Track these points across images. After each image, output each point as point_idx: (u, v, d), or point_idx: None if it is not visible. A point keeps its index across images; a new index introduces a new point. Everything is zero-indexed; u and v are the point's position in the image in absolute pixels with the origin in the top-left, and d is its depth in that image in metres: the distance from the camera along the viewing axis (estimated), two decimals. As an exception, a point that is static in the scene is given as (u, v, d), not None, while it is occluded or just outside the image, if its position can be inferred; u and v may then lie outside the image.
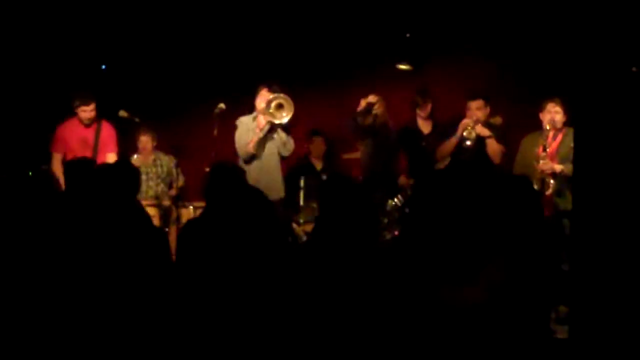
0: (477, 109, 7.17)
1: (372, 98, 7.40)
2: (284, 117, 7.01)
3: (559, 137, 6.74)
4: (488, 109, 7.24)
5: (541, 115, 6.79)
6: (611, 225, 3.48)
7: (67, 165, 5.46)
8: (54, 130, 7.45)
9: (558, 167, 6.60)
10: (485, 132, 7.10)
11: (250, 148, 7.08)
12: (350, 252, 3.76)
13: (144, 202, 5.62)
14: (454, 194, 3.94)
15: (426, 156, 7.41)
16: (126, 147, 7.89)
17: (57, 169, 7.09)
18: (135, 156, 7.80)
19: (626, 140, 3.48)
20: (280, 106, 7.03)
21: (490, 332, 3.36)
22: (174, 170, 7.71)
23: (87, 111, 7.23)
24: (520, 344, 3.45)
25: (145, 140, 7.88)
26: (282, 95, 7.03)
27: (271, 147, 7.18)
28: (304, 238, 6.62)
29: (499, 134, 7.20)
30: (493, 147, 7.08)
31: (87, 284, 4.04)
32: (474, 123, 7.08)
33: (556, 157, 6.70)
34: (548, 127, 6.70)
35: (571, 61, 3.82)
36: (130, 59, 8.58)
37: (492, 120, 7.29)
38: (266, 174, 7.09)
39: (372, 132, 7.43)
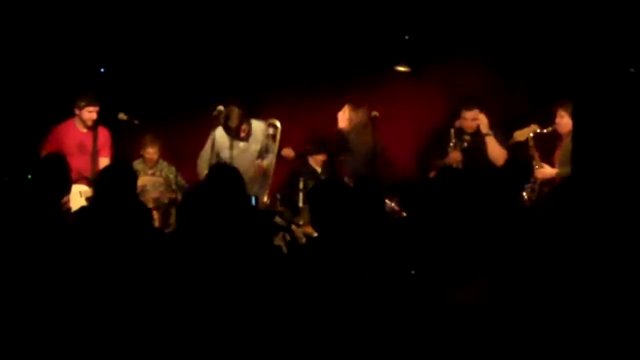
0: (472, 120, 7.18)
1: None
2: None
3: (564, 142, 6.68)
4: (484, 117, 7.22)
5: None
6: (606, 226, 3.47)
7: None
8: (47, 130, 7.42)
9: (552, 171, 6.58)
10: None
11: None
12: (345, 254, 3.76)
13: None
14: (452, 194, 3.94)
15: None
16: (124, 149, 7.88)
17: None
18: (135, 162, 7.78)
19: (623, 140, 3.48)
20: None
21: (492, 333, 3.35)
22: (172, 180, 7.77)
23: (93, 112, 7.23)
24: (523, 345, 3.44)
25: (152, 152, 7.90)
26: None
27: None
28: (303, 240, 6.61)
29: (499, 137, 7.19)
30: (495, 150, 7.09)
31: (85, 286, 4.03)
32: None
33: (557, 161, 6.67)
34: (541, 130, 6.68)
35: (569, 60, 3.83)
36: (129, 62, 8.57)
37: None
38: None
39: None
